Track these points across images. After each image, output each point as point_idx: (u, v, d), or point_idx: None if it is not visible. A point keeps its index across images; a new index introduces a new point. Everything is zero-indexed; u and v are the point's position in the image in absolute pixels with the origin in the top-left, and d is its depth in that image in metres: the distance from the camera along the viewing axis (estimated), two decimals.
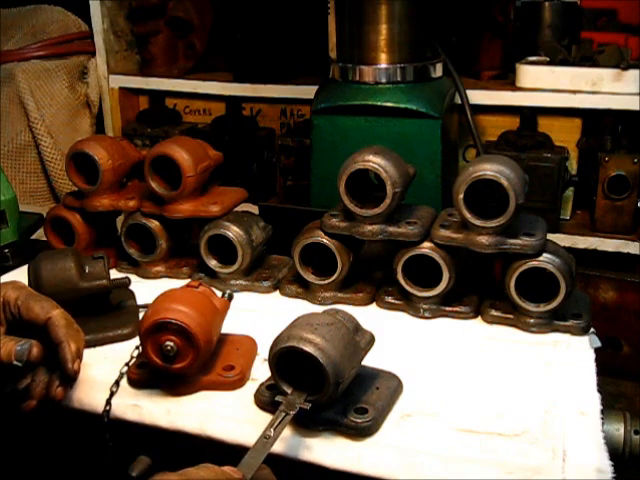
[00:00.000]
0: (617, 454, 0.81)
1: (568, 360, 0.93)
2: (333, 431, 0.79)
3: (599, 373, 0.90)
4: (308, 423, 0.79)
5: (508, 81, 1.68)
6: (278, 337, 0.78)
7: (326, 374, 0.74)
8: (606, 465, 0.73)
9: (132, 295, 1.11)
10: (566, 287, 0.96)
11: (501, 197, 0.95)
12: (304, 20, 1.83)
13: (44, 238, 1.28)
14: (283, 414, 0.74)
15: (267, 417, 0.82)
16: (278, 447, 0.76)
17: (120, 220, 1.30)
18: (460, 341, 0.99)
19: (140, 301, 1.09)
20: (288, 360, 0.77)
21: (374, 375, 0.86)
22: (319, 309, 1.09)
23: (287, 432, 0.79)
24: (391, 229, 1.04)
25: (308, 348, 0.74)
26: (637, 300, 1.39)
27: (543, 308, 0.98)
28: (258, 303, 1.13)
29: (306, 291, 1.12)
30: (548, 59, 1.60)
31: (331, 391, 0.75)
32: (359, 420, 0.78)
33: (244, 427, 0.81)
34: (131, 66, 2.04)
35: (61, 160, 1.90)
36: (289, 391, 0.77)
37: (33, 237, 1.41)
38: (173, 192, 1.14)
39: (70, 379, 0.83)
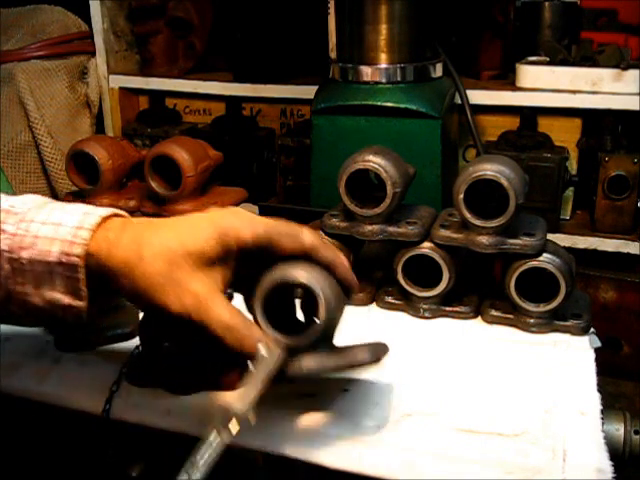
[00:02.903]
0: (617, 454, 0.81)
1: (568, 360, 0.93)
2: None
3: (599, 373, 0.89)
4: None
5: (508, 81, 1.68)
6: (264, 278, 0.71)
7: (321, 303, 0.68)
8: (606, 465, 0.73)
9: None
10: (566, 287, 0.96)
11: (501, 197, 0.95)
12: (304, 20, 1.83)
13: None
14: None
15: (267, 416, 0.82)
16: (278, 447, 0.76)
17: None
18: (460, 341, 0.99)
19: None
20: (273, 306, 0.70)
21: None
22: None
23: (287, 432, 0.79)
24: (391, 229, 1.04)
25: (302, 279, 0.68)
26: (637, 300, 1.39)
27: (543, 308, 0.98)
28: None
29: None
30: (548, 59, 1.60)
31: (324, 326, 0.68)
32: None
33: (244, 427, 0.81)
34: (131, 66, 2.04)
35: (61, 160, 1.90)
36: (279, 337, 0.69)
37: None
38: (173, 192, 1.15)
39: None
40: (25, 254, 0.67)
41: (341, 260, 0.70)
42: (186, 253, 0.64)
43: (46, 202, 0.71)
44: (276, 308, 0.71)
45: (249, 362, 0.65)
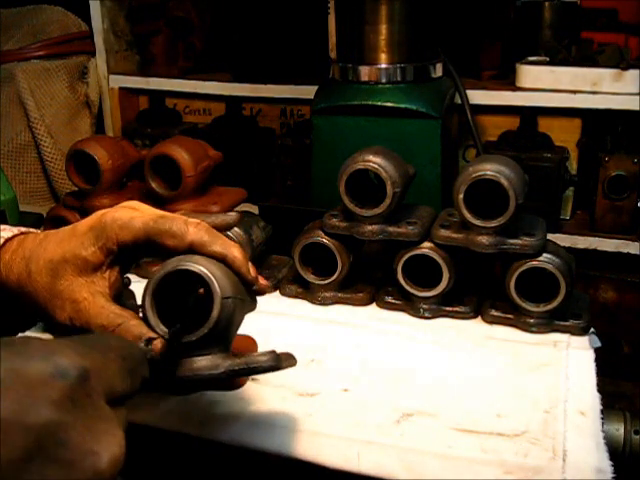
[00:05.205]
0: (617, 454, 0.81)
1: (568, 360, 0.93)
2: None
3: (599, 373, 0.90)
4: None
5: (508, 81, 1.68)
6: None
7: (215, 291, 0.62)
8: (606, 465, 0.73)
9: (132, 295, 1.11)
10: (566, 287, 0.96)
11: (501, 197, 0.95)
12: (304, 20, 1.83)
13: None
14: None
15: (267, 416, 0.82)
16: (279, 447, 0.76)
17: None
18: (460, 341, 0.99)
19: (140, 301, 1.09)
20: None
21: None
22: (319, 309, 1.10)
23: (287, 432, 0.79)
24: (391, 229, 1.04)
25: (193, 267, 0.63)
26: (637, 300, 1.39)
27: (543, 308, 0.98)
28: (258, 303, 1.12)
29: (306, 291, 1.12)
30: (548, 59, 1.60)
31: (216, 319, 0.62)
32: None
33: (244, 427, 0.81)
34: (131, 66, 2.04)
35: (61, 160, 1.90)
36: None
37: None
38: (173, 192, 1.15)
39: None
40: None
41: (234, 254, 0.66)
42: (67, 263, 0.66)
43: None
44: (173, 303, 0.66)
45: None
